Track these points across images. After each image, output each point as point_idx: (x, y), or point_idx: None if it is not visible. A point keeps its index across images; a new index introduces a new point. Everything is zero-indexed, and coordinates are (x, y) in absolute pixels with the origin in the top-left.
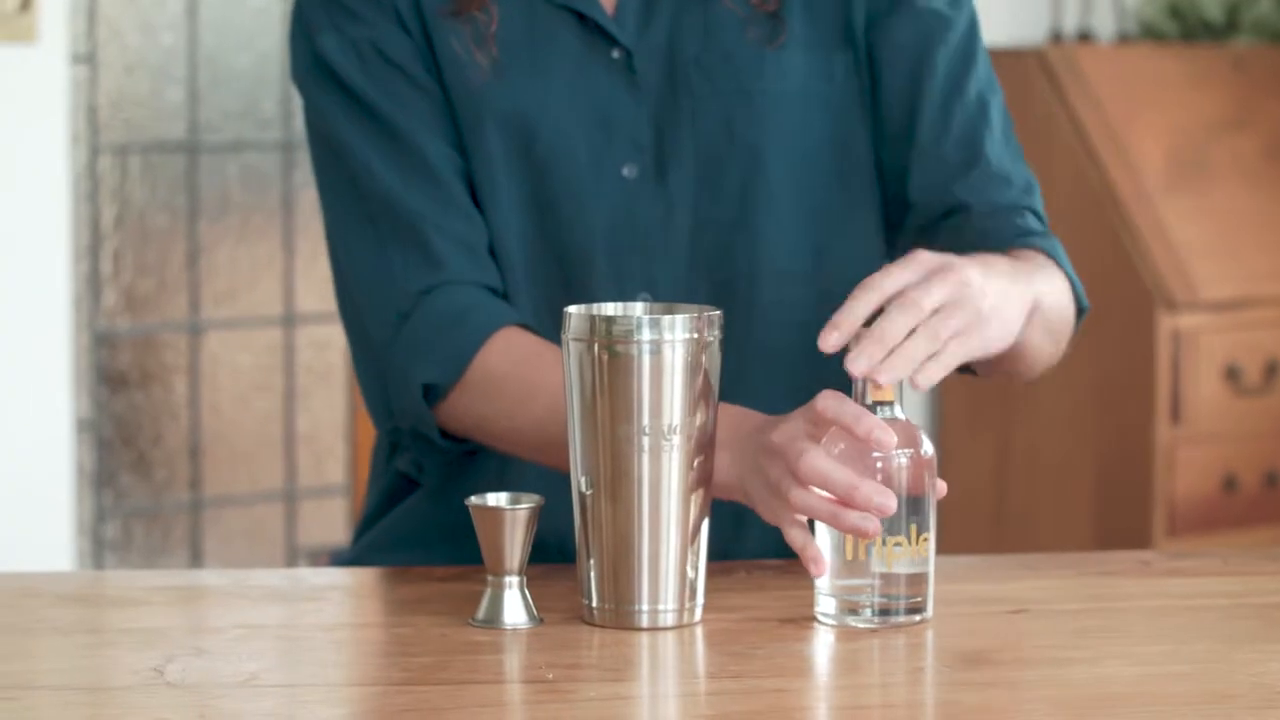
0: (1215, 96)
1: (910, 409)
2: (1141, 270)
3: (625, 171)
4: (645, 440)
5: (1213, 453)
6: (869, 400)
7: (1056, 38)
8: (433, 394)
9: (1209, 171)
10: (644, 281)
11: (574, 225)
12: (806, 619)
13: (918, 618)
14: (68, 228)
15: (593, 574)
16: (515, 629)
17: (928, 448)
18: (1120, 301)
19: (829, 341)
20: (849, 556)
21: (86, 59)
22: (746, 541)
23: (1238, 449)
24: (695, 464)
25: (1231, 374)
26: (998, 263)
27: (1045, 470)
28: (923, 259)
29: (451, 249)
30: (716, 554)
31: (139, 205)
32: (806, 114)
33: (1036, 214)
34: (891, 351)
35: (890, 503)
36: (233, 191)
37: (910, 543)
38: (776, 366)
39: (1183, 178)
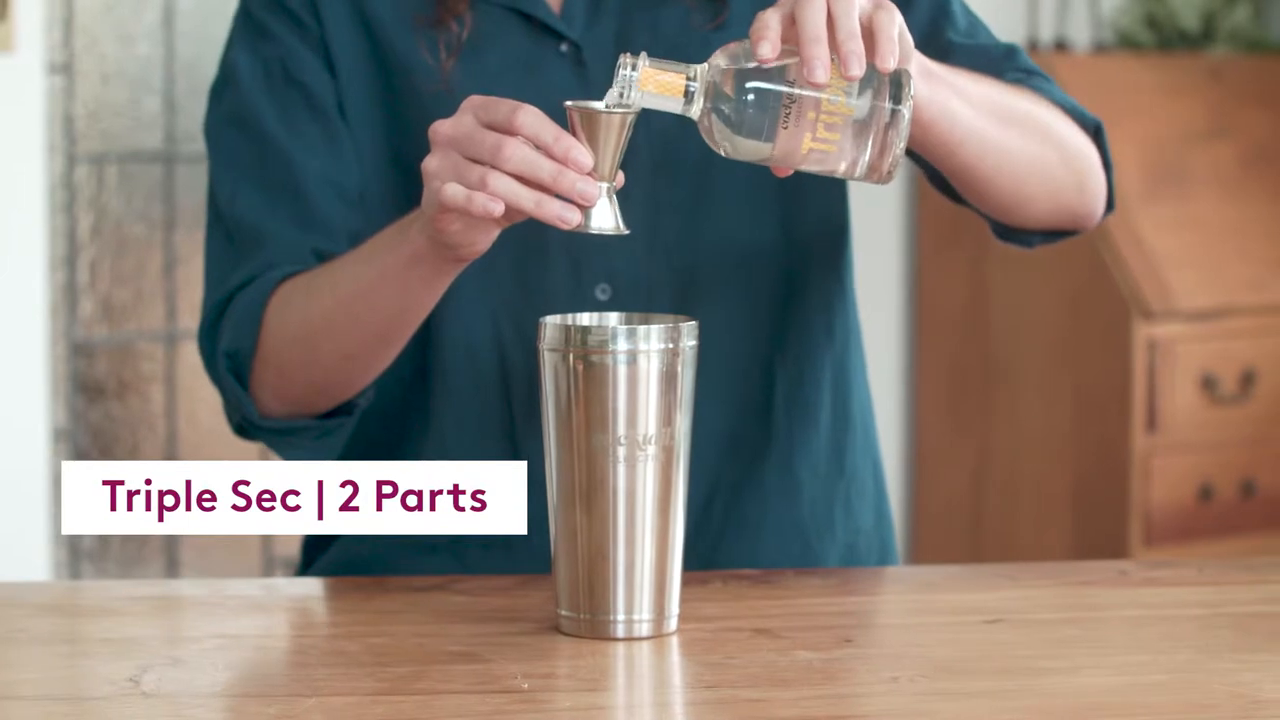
0: (1192, 106)
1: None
2: (1118, 280)
3: None
4: (621, 450)
5: (1189, 462)
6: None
7: (1032, 47)
8: (238, 366)
9: (1186, 181)
10: (603, 273)
11: (529, 221)
12: (783, 629)
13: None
14: (44, 237)
15: (567, 584)
16: (601, 233)
17: None
18: (1097, 311)
19: (763, 51)
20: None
21: (63, 69)
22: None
23: (1214, 459)
24: (671, 474)
25: (1208, 384)
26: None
27: (1022, 480)
28: None
29: (288, 256)
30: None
31: (116, 215)
32: None
33: (1027, 70)
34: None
35: (591, 190)
36: None
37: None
38: (740, 349)
39: (1159, 187)
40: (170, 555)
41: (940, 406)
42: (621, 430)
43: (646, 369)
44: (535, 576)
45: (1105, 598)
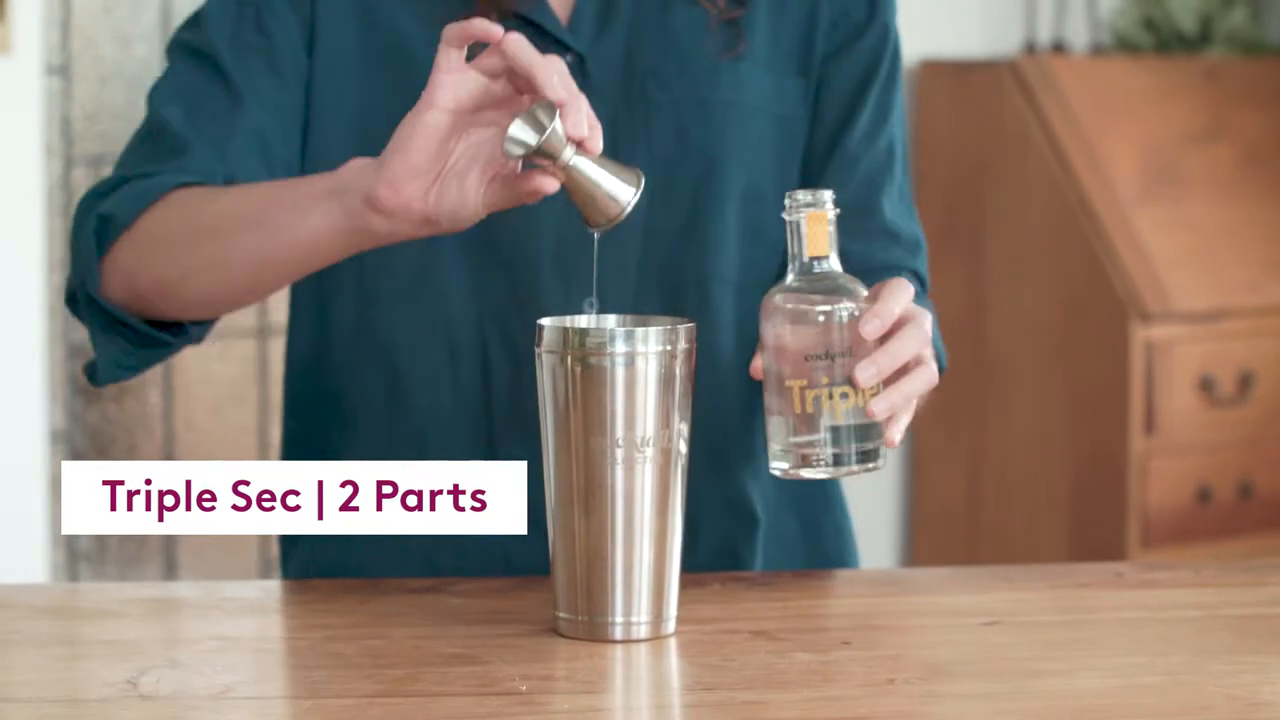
0: (1189, 108)
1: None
2: (1115, 281)
3: None
4: (619, 452)
5: (1186, 464)
6: (807, 254)
7: (1030, 49)
8: (105, 233)
9: (1183, 183)
10: (593, 288)
11: (521, 233)
12: (781, 631)
13: (871, 465)
14: (42, 239)
15: (566, 586)
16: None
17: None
18: (1094, 313)
19: (870, 328)
20: (799, 410)
21: (60, 71)
22: (699, 554)
23: (1211, 460)
24: (669, 476)
25: (1205, 385)
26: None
27: (1019, 481)
28: (910, 289)
29: (200, 171)
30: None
31: None
32: (759, 128)
33: (918, 275)
34: (895, 379)
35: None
36: None
37: (855, 393)
38: (725, 373)
39: (1157, 189)
40: (168, 557)
41: (937, 408)
42: (620, 432)
43: (645, 371)
44: (533, 579)
45: (1102, 600)
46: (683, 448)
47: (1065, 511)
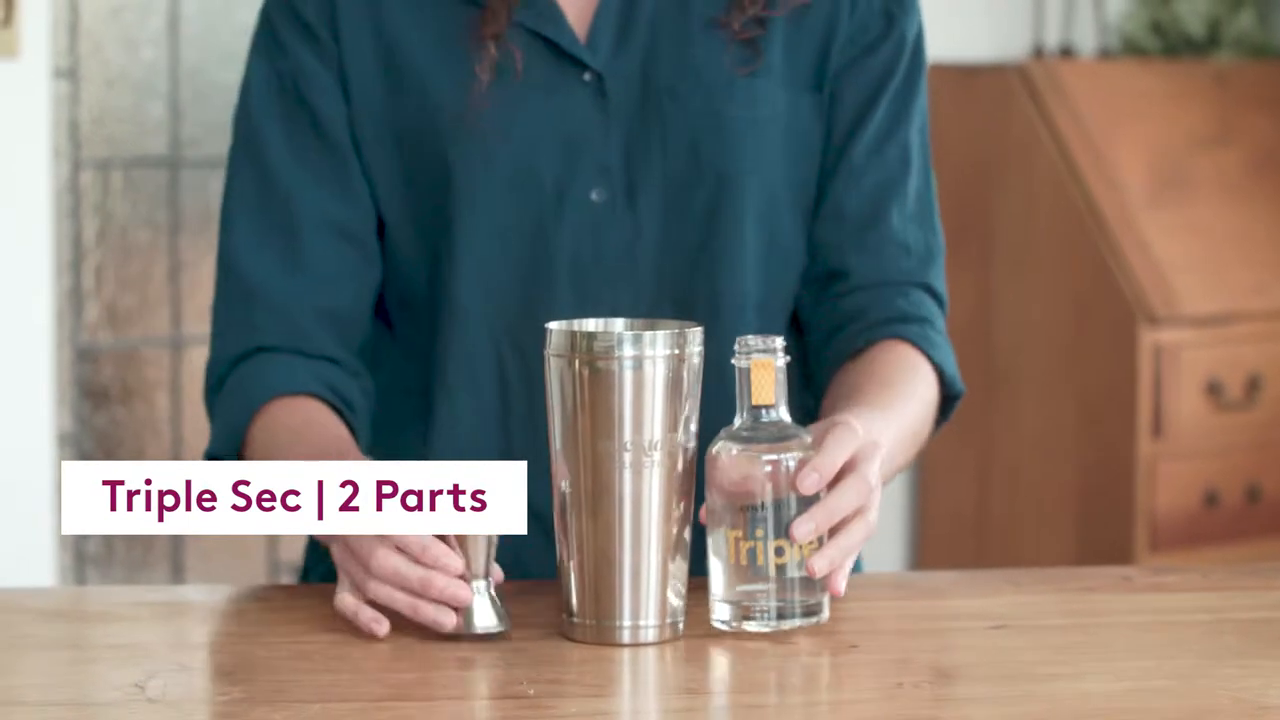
0: (1197, 112)
1: None
2: (1123, 285)
3: (594, 195)
4: (627, 456)
5: (1194, 468)
6: (752, 401)
7: (1038, 53)
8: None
9: (1191, 187)
10: (609, 307)
11: (538, 249)
12: (788, 634)
13: (814, 619)
14: (50, 243)
15: (574, 589)
16: (486, 632)
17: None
18: (1102, 317)
19: (808, 483)
20: (736, 562)
21: (68, 74)
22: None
23: (1219, 464)
24: (677, 480)
25: (1213, 389)
26: (887, 427)
27: (1027, 485)
28: (857, 436)
29: (274, 319)
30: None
31: (121, 220)
32: (774, 144)
33: (928, 288)
34: (834, 533)
35: (463, 593)
36: (214, 207)
37: (791, 547)
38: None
39: (1165, 193)
40: (175, 561)
41: None
42: (628, 436)
43: (652, 375)
44: (541, 582)
45: (1110, 603)
46: (691, 451)
47: (1073, 515)
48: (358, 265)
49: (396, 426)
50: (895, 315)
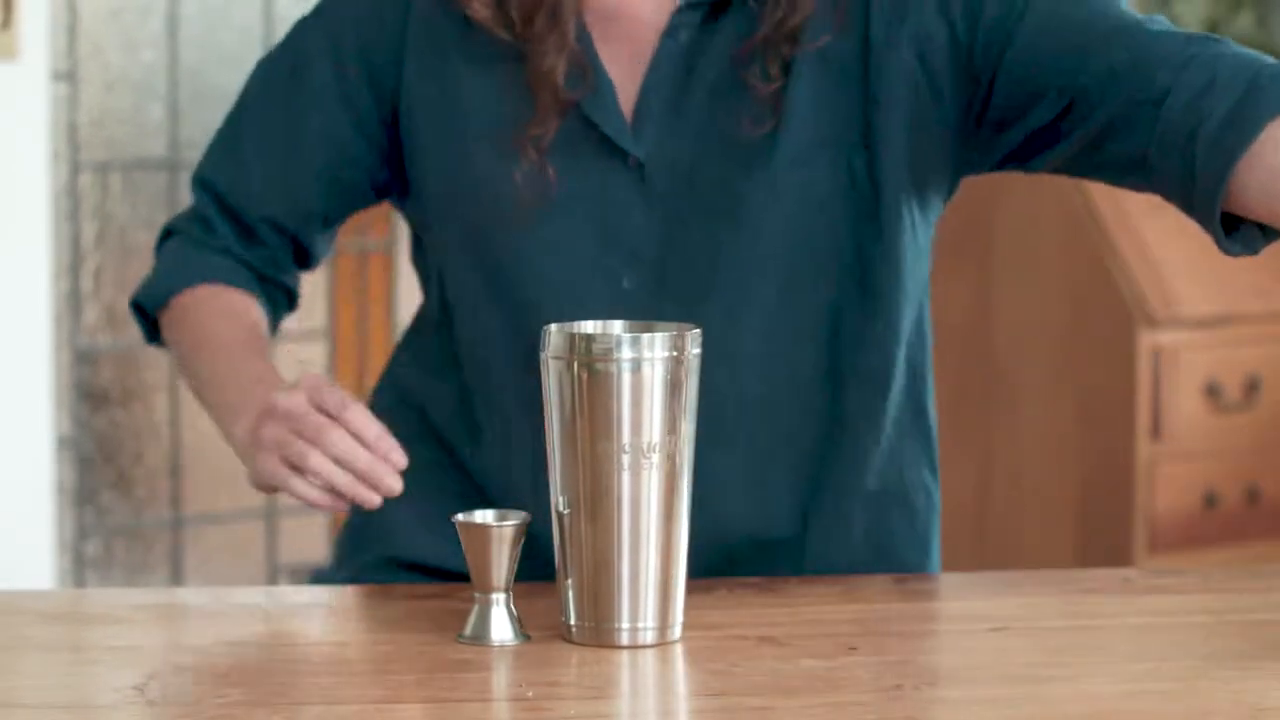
0: None
1: None
2: (1122, 287)
3: (625, 283)
4: (625, 458)
5: (1194, 469)
6: None
7: None
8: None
9: None
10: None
11: (570, 273)
12: (787, 637)
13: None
14: (48, 245)
15: (572, 592)
16: (503, 645)
17: None
18: (1101, 318)
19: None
20: None
21: (67, 76)
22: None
23: (1219, 466)
24: (676, 481)
25: (1212, 391)
26: None
27: (1026, 487)
28: None
29: (228, 220)
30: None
31: (120, 222)
32: (798, 228)
33: (1207, 38)
34: None
35: (397, 485)
36: None
37: None
38: (752, 411)
39: None
40: (174, 564)
41: (943, 414)
42: (626, 438)
43: (651, 377)
44: (540, 584)
45: (1109, 605)
46: (689, 453)
47: (1072, 517)
48: (332, 208)
49: (450, 424)
50: (1242, 85)
